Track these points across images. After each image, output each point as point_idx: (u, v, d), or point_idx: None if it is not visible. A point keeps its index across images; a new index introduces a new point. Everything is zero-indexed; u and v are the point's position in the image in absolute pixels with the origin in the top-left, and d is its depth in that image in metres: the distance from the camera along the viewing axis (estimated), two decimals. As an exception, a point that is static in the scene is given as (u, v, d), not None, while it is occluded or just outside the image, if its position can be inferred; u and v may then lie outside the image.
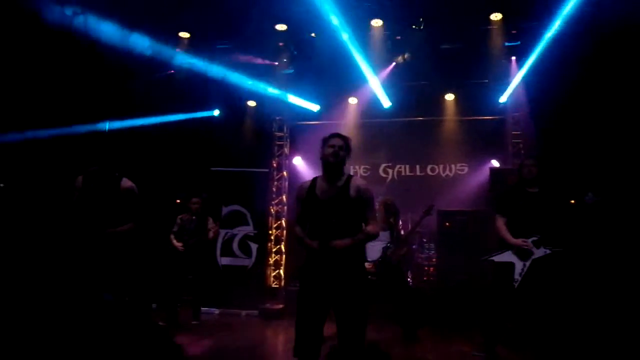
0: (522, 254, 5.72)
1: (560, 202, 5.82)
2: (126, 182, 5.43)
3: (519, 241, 5.71)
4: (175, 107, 10.76)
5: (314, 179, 4.23)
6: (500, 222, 5.95)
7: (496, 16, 9.28)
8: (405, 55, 10.16)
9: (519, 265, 5.73)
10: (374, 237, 4.09)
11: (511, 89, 10.11)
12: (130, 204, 5.34)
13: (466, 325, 8.12)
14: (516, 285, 5.68)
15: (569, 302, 6.74)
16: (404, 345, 7.12)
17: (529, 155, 6.06)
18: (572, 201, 6.26)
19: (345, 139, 4.20)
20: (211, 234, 8.54)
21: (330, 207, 3.99)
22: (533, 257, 5.68)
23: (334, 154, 4.09)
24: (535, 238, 5.70)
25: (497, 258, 5.87)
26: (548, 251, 5.67)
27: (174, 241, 8.24)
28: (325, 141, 4.21)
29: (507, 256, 5.81)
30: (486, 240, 8.34)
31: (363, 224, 4.08)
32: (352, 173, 4.55)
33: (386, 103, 10.77)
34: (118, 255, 5.21)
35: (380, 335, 7.34)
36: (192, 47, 10.40)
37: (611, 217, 7.89)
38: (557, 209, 5.77)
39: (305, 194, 4.18)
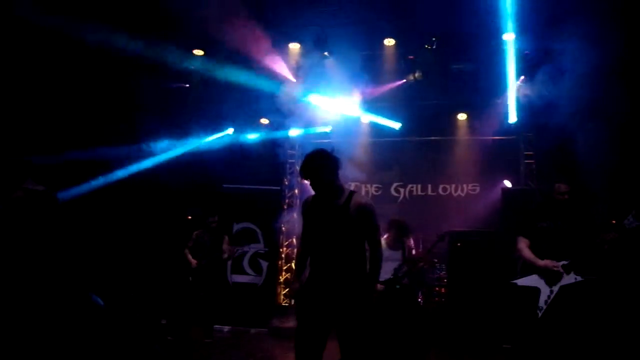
0: (550, 277, 5.12)
1: (592, 225, 5.16)
2: None
3: (547, 262, 5.12)
4: (189, 123, 10.87)
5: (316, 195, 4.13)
6: (523, 244, 5.36)
7: (509, 36, 9.29)
8: (417, 74, 10.17)
9: (545, 292, 5.12)
10: (380, 260, 4.01)
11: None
12: None
13: (476, 347, 8.04)
14: (540, 313, 5.07)
15: (599, 338, 6.06)
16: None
17: (561, 179, 5.39)
18: (613, 221, 5.35)
19: (319, 167, 3.97)
20: (226, 255, 8.58)
21: (330, 226, 3.93)
22: (561, 283, 5.06)
23: (311, 184, 4.01)
24: (565, 262, 5.09)
25: (521, 282, 5.28)
26: (579, 278, 5.02)
27: (189, 256, 8.31)
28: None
29: (533, 280, 5.21)
30: (498, 261, 8.31)
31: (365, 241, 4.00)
32: (363, 193, 4.44)
33: (396, 125, 10.83)
34: None
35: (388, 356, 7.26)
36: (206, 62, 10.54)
37: None
38: (589, 232, 5.11)
39: (307, 209, 4.12)
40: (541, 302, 5.10)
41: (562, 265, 5.08)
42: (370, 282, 3.91)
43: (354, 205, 3.92)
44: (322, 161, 3.96)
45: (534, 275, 5.22)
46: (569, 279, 5.05)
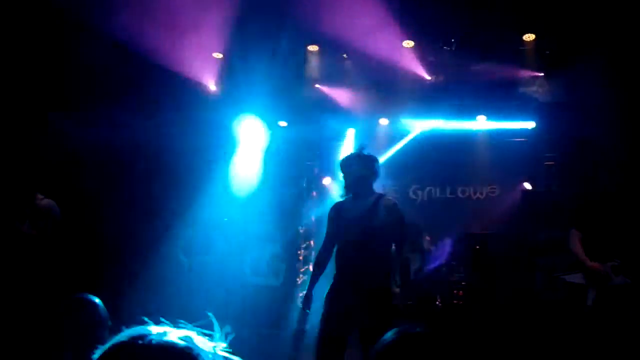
0: (597, 279, 4.88)
1: None
2: None
3: (597, 265, 4.88)
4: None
5: (346, 199, 4.18)
6: (576, 238, 5.10)
7: (529, 37, 9.21)
8: (437, 76, 10.12)
9: (592, 290, 4.90)
10: (405, 260, 4.03)
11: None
12: None
13: (496, 352, 7.96)
14: (586, 312, 4.89)
15: None
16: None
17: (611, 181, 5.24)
18: None
19: (356, 159, 4.18)
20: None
21: (358, 228, 3.95)
22: (610, 284, 4.82)
23: (344, 177, 4.16)
24: (615, 263, 4.84)
25: (570, 278, 5.07)
26: (628, 281, 4.77)
27: (180, 256, 8.28)
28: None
29: (580, 278, 5.01)
30: (517, 263, 8.23)
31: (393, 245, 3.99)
32: (381, 194, 4.44)
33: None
34: None
35: None
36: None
37: None
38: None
39: (334, 214, 4.14)
40: (589, 301, 4.89)
41: (612, 266, 4.84)
42: (403, 283, 3.90)
43: (382, 206, 3.97)
44: (372, 164, 4.23)
45: (580, 273, 5.02)
46: (618, 280, 4.82)
